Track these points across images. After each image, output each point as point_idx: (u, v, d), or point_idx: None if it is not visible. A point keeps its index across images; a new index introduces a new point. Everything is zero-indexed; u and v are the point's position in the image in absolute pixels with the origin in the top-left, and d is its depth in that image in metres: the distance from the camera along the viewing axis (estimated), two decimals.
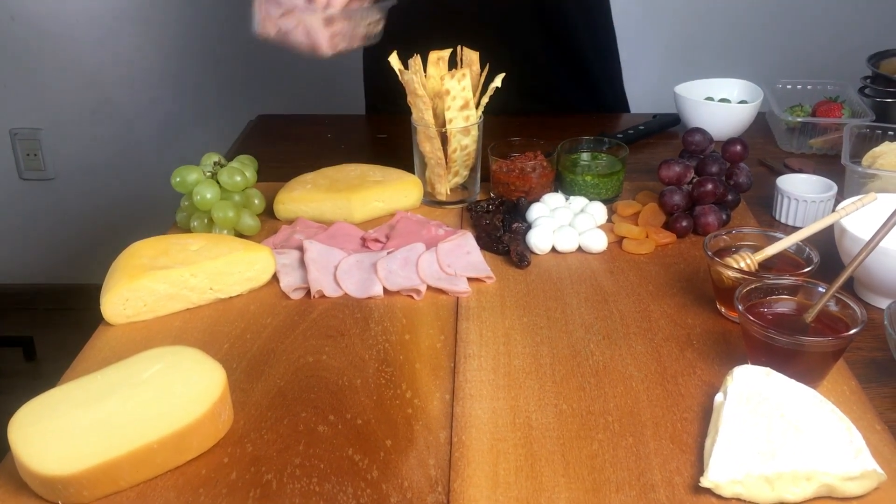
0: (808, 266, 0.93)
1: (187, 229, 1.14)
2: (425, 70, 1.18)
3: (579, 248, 1.11)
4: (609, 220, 1.17)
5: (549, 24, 1.45)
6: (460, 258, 1.07)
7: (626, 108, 1.63)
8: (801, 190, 1.17)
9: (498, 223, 1.14)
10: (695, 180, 1.15)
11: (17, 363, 2.52)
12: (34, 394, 0.77)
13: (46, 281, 2.72)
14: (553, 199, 1.18)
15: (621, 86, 1.63)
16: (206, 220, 1.12)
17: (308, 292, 1.02)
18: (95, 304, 0.96)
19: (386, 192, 1.20)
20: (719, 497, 0.71)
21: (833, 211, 0.99)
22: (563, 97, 1.55)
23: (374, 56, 1.16)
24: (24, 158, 2.55)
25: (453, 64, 1.21)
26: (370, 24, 1.13)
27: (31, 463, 0.71)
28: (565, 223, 1.13)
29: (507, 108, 1.29)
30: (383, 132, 1.49)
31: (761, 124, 1.50)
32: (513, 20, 1.45)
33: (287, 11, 1.08)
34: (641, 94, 1.85)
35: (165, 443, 0.74)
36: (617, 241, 1.13)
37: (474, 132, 1.20)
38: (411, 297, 1.01)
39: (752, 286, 0.87)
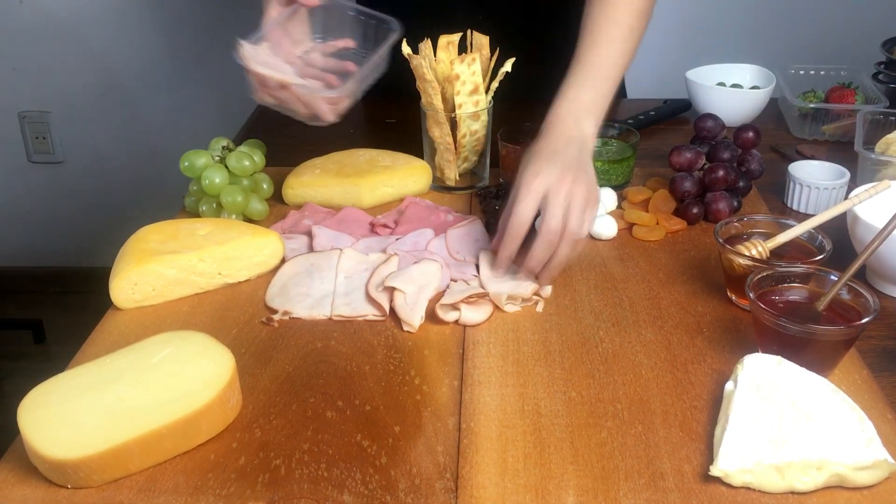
0: (821, 254, 0.92)
1: (196, 214, 1.14)
2: (435, 55, 1.17)
3: (589, 235, 1.10)
4: (619, 207, 1.16)
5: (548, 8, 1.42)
6: (469, 244, 1.07)
7: (622, 94, 1.61)
8: (813, 177, 1.16)
9: None
10: (706, 167, 1.14)
11: (26, 346, 2.54)
12: (43, 376, 0.78)
13: (55, 264, 2.73)
14: None
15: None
16: (214, 205, 1.12)
17: None
18: (104, 288, 0.96)
19: (395, 177, 1.20)
20: (729, 486, 0.71)
21: (846, 198, 0.98)
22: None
23: None
24: (32, 141, 2.55)
25: (463, 49, 1.20)
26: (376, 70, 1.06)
27: (40, 447, 0.71)
28: None
29: (510, 96, 1.27)
30: (392, 117, 1.48)
31: (773, 110, 1.48)
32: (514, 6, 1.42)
33: (282, 85, 1.00)
34: (652, 79, 1.83)
35: (174, 428, 0.74)
36: (627, 228, 1.12)
37: (484, 117, 1.19)
38: None
39: (764, 274, 0.86)
